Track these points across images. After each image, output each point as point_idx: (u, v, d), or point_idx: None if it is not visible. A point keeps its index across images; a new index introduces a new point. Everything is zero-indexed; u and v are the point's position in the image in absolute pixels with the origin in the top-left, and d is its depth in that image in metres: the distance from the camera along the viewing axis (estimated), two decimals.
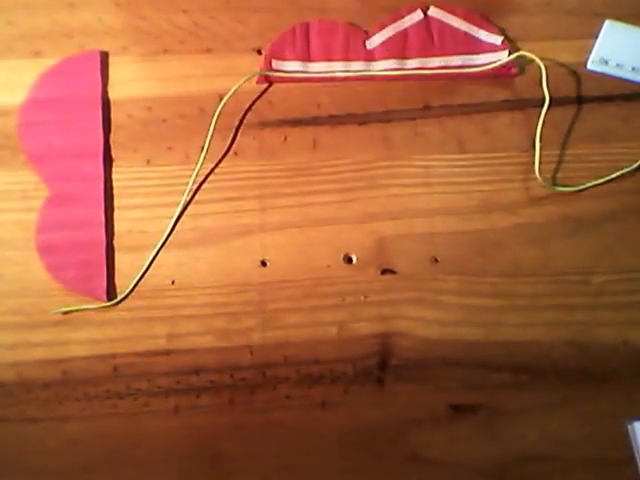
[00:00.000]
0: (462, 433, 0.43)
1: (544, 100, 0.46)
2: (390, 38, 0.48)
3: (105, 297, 0.44)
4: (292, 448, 0.43)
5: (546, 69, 0.46)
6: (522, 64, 0.48)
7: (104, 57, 0.48)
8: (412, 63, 0.48)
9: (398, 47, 0.48)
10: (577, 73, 0.49)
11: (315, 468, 0.43)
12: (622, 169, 0.47)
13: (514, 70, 0.48)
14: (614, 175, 0.47)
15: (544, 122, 0.46)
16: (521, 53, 0.47)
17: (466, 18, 0.49)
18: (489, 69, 0.47)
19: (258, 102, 0.48)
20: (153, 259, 0.45)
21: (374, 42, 0.48)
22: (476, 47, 0.48)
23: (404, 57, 0.48)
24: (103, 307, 0.44)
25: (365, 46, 0.48)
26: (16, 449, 0.43)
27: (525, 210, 0.46)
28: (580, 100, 0.48)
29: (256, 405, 0.44)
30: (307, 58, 0.48)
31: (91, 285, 0.45)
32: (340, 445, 0.43)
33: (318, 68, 0.48)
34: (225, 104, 0.47)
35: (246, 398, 0.44)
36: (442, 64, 0.48)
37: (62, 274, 0.45)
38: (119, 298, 0.45)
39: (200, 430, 0.43)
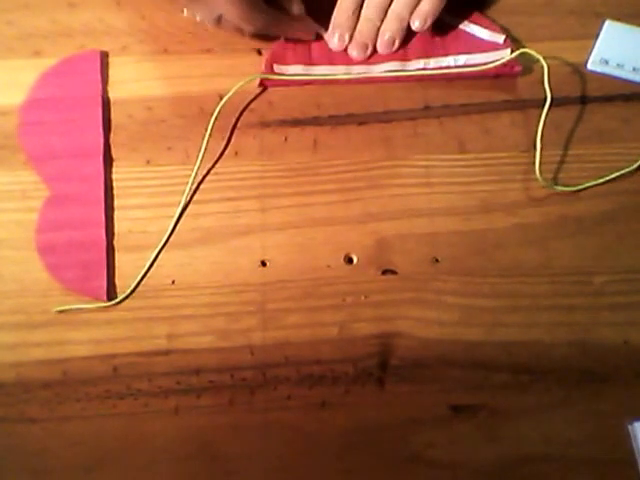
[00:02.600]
0: (462, 433, 0.43)
1: (545, 99, 0.46)
2: None
3: (105, 297, 0.44)
4: (292, 448, 0.43)
5: (548, 67, 0.46)
6: (524, 64, 0.48)
7: (104, 57, 0.48)
8: (414, 64, 0.48)
9: (400, 50, 0.48)
10: (577, 73, 0.49)
11: (315, 468, 0.43)
12: (622, 169, 0.47)
13: (517, 68, 0.48)
14: (614, 175, 0.47)
15: (545, 121, 0.46)
16: (524, 50, 0.47)
17: (468, 17, 0.48)
18: (492, 68, 0.47)
19: (258, 102, 0.48)
20: (154, 259, 0.45)
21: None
22: (478, 46, 0.48)
23: (406, 59, 0.48)
24: (102, 307, 0.44)
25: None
26: (16, 449, 0.43)
27: (525, 210, 0.46)
28: (580, 100, 0.48)
29: (256, 405, 0.44)
30: (309, 62, 0.48)
31: (91, 285, 0.44)
32: (340, 445, 0.43)
33: (320, 71, 0.48)
34: (225, 104, 0.47)
35: (246, 398, 0.44)
36: (444, 64, 0.48)
37: (62, 274, 0.45)
38: (119, 298, 0.44)
39: (200, 430, 0.43)
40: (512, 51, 0.47)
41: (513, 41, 0.49)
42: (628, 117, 0.48)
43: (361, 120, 0.48)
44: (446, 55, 0.48)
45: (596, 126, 0.48)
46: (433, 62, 0.48)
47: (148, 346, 0.44)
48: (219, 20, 0.45)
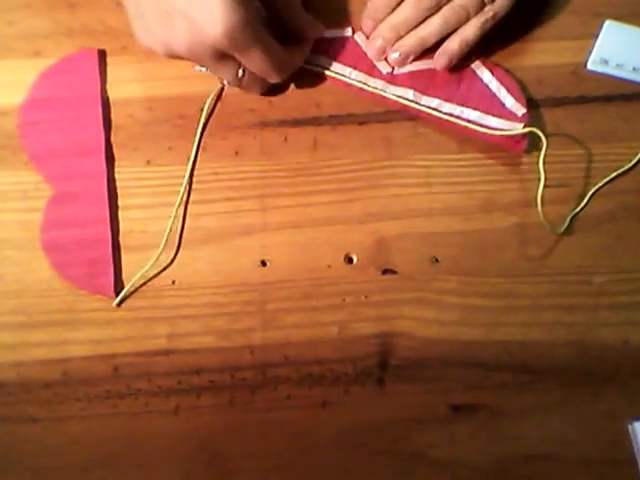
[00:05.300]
0: (462, 433, 0.43)
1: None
2: (419, 71, 0.48)
3: (113, 293, 0.45)
4: (292, 448, 0.43)
5: (547, 147, 0.44)
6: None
7: (101, 55, 0.48)
8: (428, 101, 0.47)
9: (422, 82, 0.47)
10: (577, 73, 0.49)
11: (315, 468, 0.43)
12: (622, 169, 0.47)
13: (522, 145, 0.46)
14: (614, 175, 0.47)
15: (542, 201, 0.45)
16: (531, 129, 0.45)
17: (500, 79, 0.47)
18: (497, 135, 0.46)
19: (258, 102, 0.48)
20: (154, 259, 0.45)
21: (402, 68, 0.48)
22: (496, 109, 0.47)
23: (424, 92, 0.47)
24: (102, 307, 0.44)
25: (392, 68, 0.48)
26: (16, 449, 0.43)
27: (525, 210, 0.46)
28: (580, 100, 0.48)
29: (256, 405, 0.44)
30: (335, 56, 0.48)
31: (98, 282, 0.45)
32: (340, 445, 0.43)
33: (339, 70, 0.48)
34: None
35: (246, 398, 0.44)
36: (456, 112, 0.47)
37: (69, 272, 0.45)
38: (119, 298, 0.44)
39: (200, 430, 0.43)
40: (525, 127, 0.46)
41: (513, 41, 0.49)
42: (628, 117, 0.48)
43: (361, 120, 0.48)
44: (462, 106, 0.47)
45: (596, 126, 0.48)
46: (447, 106, 0.47)
47: (148, 346, 0.44)
48: (242, 77, 0.44)
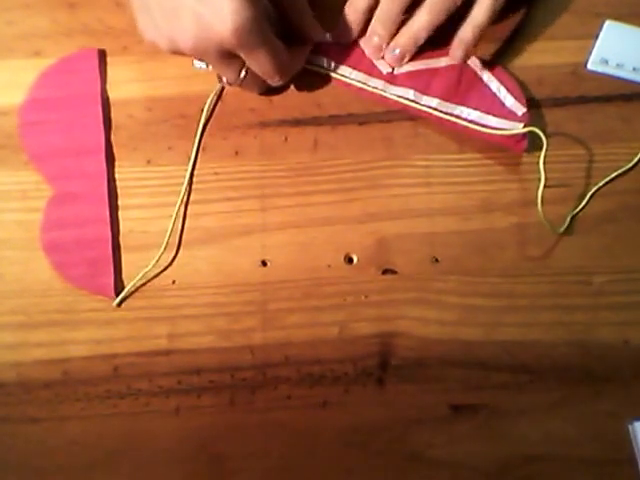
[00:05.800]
0: (462, 433, 0.44)
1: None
2: (419, 71, 0.47)
3: (113, 294, 0.45)
4: (293, 448, 0.43)
5: (547, 148, 0.44)
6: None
7: (101, 55, 0.48)
8: (428, 100, 0.47)
9: (422, 82, 0.47)
10: (577, 73, 0.49)
11: (316, 468, 0.43)
12: (622, 169, 0.47)
13: (522, 144, 0.46)
14: (614, 175, 0.47)
15: (542, 199, 0.45)
16: (532, 129, 0.45)
17: (500, 79, 0.47)
18: (497, 135, 0.46)
19: (258, 102, 0.48)
20: (155, 260, 0.45)
21: (402, 68, 0.47)
22: (496, 109, 0.47)
23: (424, 92, 0.47)
24: (103, 307, 0.44)
25: (393, 68, 0.47)
26: (16, 449, 0.43)
27: (525, 210, 0.46)
28: (580, 100, 0.48)
29: (257, 405, 0.44)
30: (337, 59, 0.48)
31: (98, 282, 0.45)
32: (340, 445, 0.43)
33: (339, 70, 0.48)
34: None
35: (247, 398, 0.44)
36: (456, 112, 0.47)
37: (69, 272, 0.45)
38: (120, 298, 0.44)
39: (201, 430, 0.43)
40: (525, 126, 0.45)
41: (513, 41, 0.49)
42: (628, 117, 0.48)
43: (361, 120, 0.48)
44: (462, 105, 0.47)
45: (596, 126, 0.48)
46: (447, 106, 0.47)
47: (149, 346, 0.44)
48: (244, 77, 0.44)
